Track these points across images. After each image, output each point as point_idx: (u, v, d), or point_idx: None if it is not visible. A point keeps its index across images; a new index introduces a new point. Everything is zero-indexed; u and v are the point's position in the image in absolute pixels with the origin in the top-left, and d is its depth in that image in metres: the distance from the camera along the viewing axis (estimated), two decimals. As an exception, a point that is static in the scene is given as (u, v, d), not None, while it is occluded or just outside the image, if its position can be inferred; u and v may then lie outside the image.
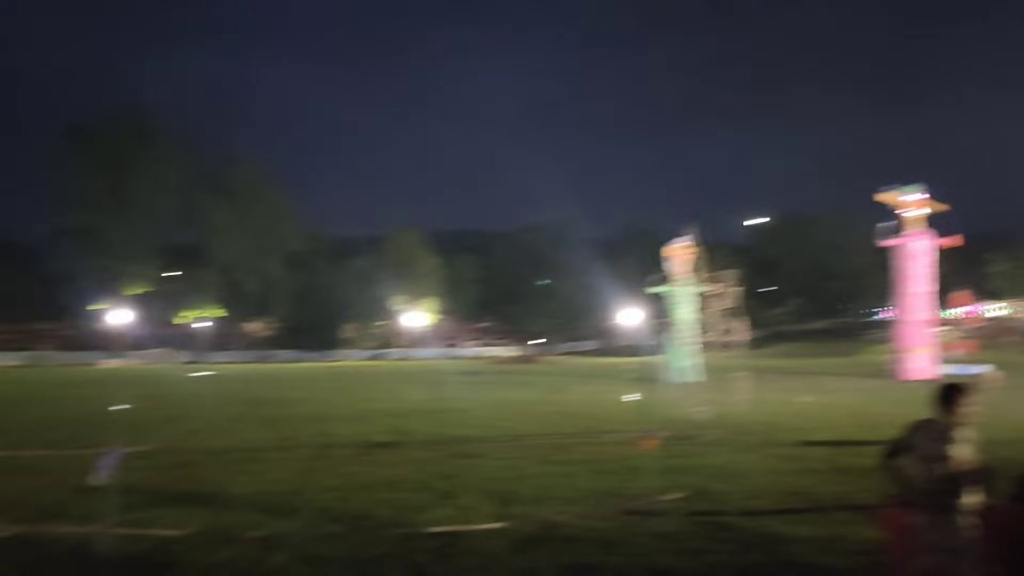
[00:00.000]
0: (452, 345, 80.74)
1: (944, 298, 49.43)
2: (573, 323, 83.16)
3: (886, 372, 38.17)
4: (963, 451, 5.02)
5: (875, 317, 75.15)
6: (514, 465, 11.90)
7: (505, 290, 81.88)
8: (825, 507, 8.99)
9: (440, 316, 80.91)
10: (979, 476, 4.99)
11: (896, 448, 5.23)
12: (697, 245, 39.91)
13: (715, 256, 55.33)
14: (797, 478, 11.00)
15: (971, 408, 5.15)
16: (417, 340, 77.90)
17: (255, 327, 77.47)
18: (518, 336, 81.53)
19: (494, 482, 10.54)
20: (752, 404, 21.45)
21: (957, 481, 4.97)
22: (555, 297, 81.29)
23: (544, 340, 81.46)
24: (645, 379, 33.50)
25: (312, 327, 71.06)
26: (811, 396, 25.74)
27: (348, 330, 77.17)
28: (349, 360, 68.11)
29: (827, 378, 36.51)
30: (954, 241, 38.81)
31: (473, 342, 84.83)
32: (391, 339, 78.55)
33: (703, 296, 42.43)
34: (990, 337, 62.49)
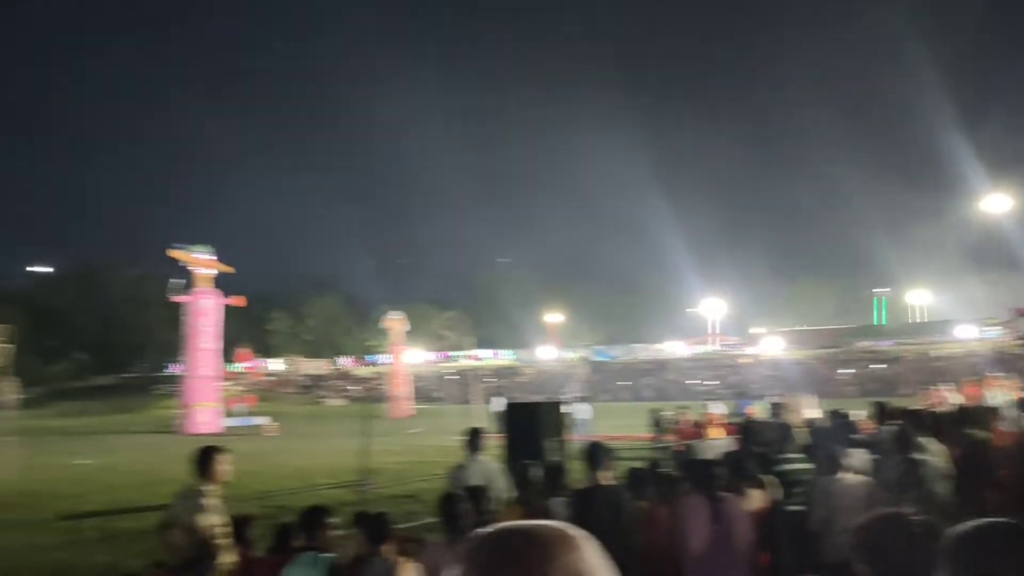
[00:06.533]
0: None
1: (229, 354, 55.13)
2: None
3: (174, 427, 40.32)
4: (211, 515, 5.46)
5: (165, 372, 78.22)
6: None
7: None
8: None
9: None
10: (207, 540, 5.42)
11: (168, 518, 5.74)
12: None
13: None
14: (63, 552, 11.15)
15: (223, 469, 5.66)
16: None
17: None
18: None
19: None
20: (20, 472, 20.36)
21: (208, 546, 5.42)
22: None
23: None
24: None
25: None
26: (91, 458, 26.10)
27: None
28: None
29: (111, 437, 37.18)
30: (238, 301, 43.70)
31: None
32: None
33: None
34: (269, 390, 72.31)
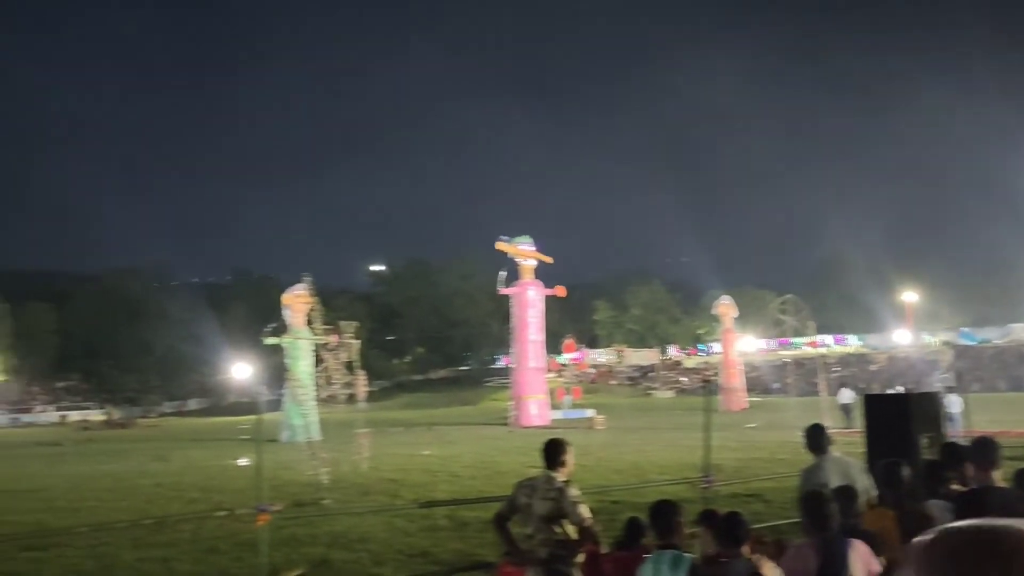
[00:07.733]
0: (23, 410, 72.10)
1: (555, 345, 58.67)
2: (175, 380, 79.60)
3: (506, 419, 41.70)
4: (578, 507, 5.23)
5: (496, 364, 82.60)
6: (102, 554, 11.45)
7: (91, 343, 75.22)
8: (448, 567, 9.96)
9: (5, 375, 72.29)
10: (590, 531, 5.25)
11: (507, 510, 5.54)
12: (314, 294, 38.06)
13: (335, 305, 56.83)
14: (421, 538, 11.82)
15: (571, 461, 5.50)
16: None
17: None
18: (108, 397, 75.00)
19: (76, 576, 10.40)
20: (375, 461, 21.99)
21: (569, 539, 5.27)
22: (152, 351, 76.86)
23: (139, 400, 76.86)
24: (260, 439, 29.64)
25: None
26: (434, 448, 27.87)
27: None
28: None
29: (450, 428, 39.44)
30: (559, 291, 44.26)
31: (51, 406, 75.91)
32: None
33: (322, 348, 36.73)
34: (594, 382, 74.67)
